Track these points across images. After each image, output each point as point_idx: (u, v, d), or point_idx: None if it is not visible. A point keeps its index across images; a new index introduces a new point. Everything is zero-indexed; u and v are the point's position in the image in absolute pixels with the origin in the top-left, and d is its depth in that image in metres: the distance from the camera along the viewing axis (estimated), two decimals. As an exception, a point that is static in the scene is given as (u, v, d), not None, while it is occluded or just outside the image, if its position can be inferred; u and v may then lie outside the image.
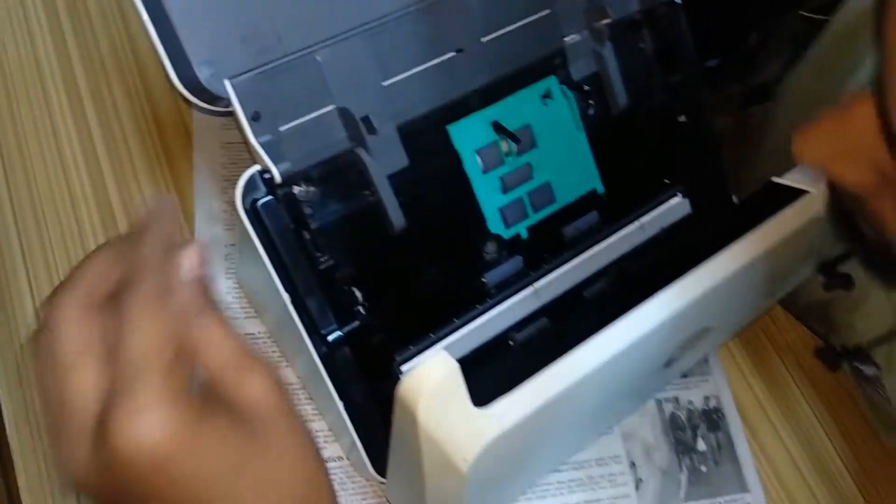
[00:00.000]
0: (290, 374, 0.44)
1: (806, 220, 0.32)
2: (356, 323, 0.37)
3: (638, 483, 0.45)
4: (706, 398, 0.48)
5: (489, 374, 0.36)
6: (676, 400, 0.48)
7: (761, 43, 0.53)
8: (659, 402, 0.48)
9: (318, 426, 0.43)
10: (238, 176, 0.34)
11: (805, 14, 0.49)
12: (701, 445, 0.47)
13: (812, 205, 0.33)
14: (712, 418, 0.48)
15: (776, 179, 0.35)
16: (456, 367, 0.25)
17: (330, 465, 0.42)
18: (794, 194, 0.33)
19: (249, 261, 0.37)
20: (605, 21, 0.41)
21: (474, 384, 0.27)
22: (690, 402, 0.48)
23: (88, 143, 0.47)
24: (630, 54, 0.43)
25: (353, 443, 0.38)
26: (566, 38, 0.41)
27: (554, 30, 0.41)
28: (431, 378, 0.25)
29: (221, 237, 0.46)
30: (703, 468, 0.46)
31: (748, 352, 0.51)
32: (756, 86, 0.53)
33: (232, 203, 0.34)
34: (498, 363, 0.38)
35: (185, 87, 0.33)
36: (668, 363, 0.38)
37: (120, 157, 0.47)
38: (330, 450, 0.42)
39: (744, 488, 0.46)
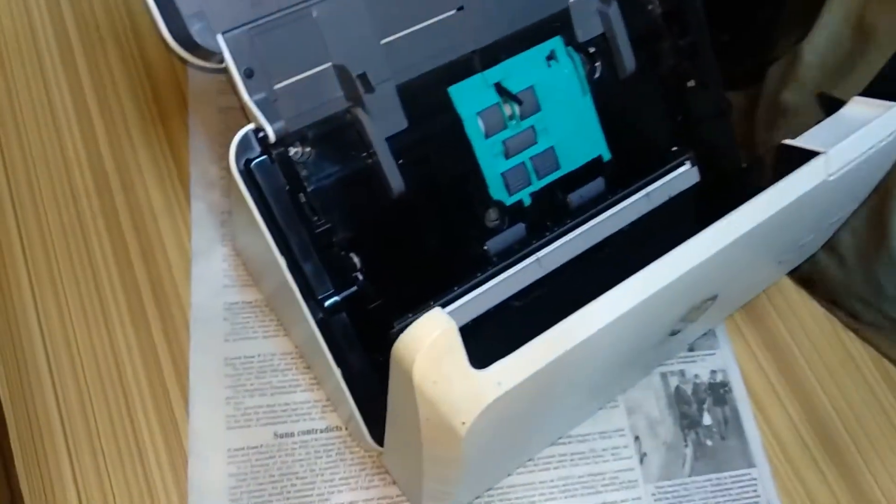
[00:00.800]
0: (287, 343, 0.43)
1: (818, 182, 0.31)
2: (354, 289, 0.36)
3: (642, 457, 0.44)
4: (713, 372, 0.47)
5: (490, 341, 0.35)
6: (682, 373, 0.47)
7: (774, 17, 0.51)
8: (664, 376, 0.47)
9: (317, 395, 0.42)
10: (235, 141, 0.33)
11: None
12: (707, 420, 0.46)
13: (823, 168, 0.32)
14: (719, 392, 0.47)
15: (788, 142, 0.34)
16: (453, 324, 0.24)
17: (328, 435, 0.42)
18: (807, 156, 0.32)
19: (244, 225, 0.36)
20: (612, -20, 0.40)
21: (475, 351, 0.26)
22: (696, 376, 0.47)
23: (83, 106, 0.46)
24: (638, 16, 0.42)
25: (352, 412, 0.37)
26: (571, -2, 0.40)
27: (559, -12, 0.40)
28: (427, 335, 0.24)
29: (218, 204, 0.45)
30: (709, 443, 0.45)
31: (755, 325, 0.50)
32: (769, 61, 0.51)
33: (228, 169, 0.33)
34: (498, 329, 0.37)
35: (177, 41, 0.32)
36: (674, 332, 0.37)
37: (115, 121, 0.46)
38: (328, 419, 0.42)
39: (750, 463, 0.45)
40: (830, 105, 0.36)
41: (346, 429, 0.42)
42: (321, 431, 0.42)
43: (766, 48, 0.51)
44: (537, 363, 0.25)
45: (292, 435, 0.41)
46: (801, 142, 0.33)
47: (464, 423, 0.25)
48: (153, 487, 0.39)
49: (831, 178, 0.31)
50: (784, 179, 0.31)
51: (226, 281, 0.44)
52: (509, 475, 0.42)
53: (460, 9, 0.37)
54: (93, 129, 0.46)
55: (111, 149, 0.46)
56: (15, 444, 0.38)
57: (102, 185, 0.45)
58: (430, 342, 0.24)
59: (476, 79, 0.38)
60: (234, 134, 0.33)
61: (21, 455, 0.38)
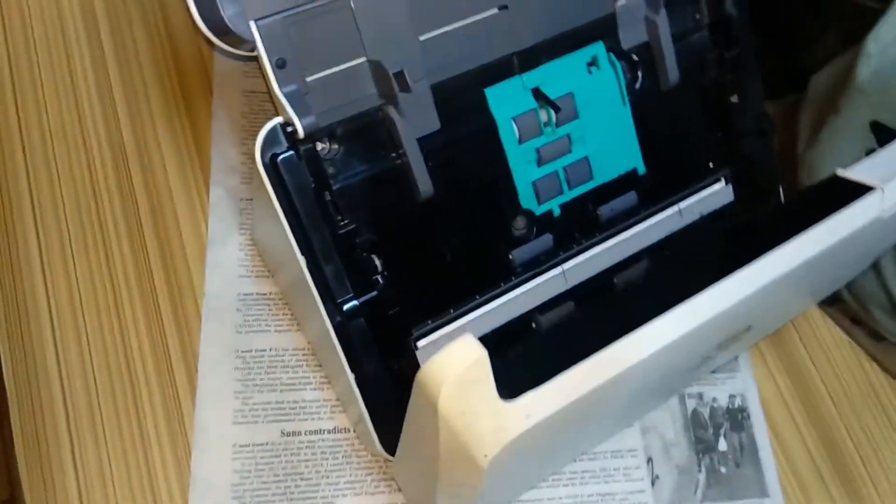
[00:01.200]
0: (299, 339, 0.42)
1: (871, 219, 0.30)
2: (374, 293, 0.35)
3: (654, 479, 0.43)
4: (731, 396, 0.46)
5: (512, 361, 0.34)
6: (700, 396, 0.46)
7: (818, 27, 0.50)
8: (682, 398, 0.45)
9: (326, 395, 0.41)
10: (258, 127, 0.31)
11: (858, 2, 0.45)
12: (722, 445, 0.45)
13: (878, 204, 0.30)
14: (737, 418, 0.46)
15: (840, 173, 0.32)
16: (484, 353, 0.23)
17: (336, 436, 0.41)
18: (860, 190, 0.30)
19: (265, 218, 0.35)
20: (663, -14, 0.38)
21: (494, 370, 0.25)
22: (715, 400, 0.46)
23: (105, 80, 0.45)
24: (685, 25, 0.40)
25: (362, 416, 0.36)
26: (618, 2, 0.38)
27: (607, -8, 0.38)
28: (457, 364, 0.23)
29: (237, 190, 0.44)
30: (723, 469, 0.44)
31: (778, 349, 0.48)
32: (811, 69, 0.49)
33: (250, 155, 0.32)
34: (521, 349, 0.36)
35: (208, 26, 0.31)
36: (703, 361, 0.36)
37: (137, 96, 0.45)
38: (337, 420, 0.41)
39: (763, 493, 0.44)
40: (884, 134, 0.35)
41: (355, 431, 0.41)
42: (329, 432, 0.41)
43: (809, 57, 0.49)
44: (570, 395, 0.24)
45: (299, 434, 0.40)
46: (854, 174, 0.32)
47: (486, 455, 0.23)
48: (154, 479, 0.38)
49: (886, 215, 0.30)
50: (837, 214, 0.29)
51: (241, 270, 0.43)
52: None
53: (503, 7, 0.35)
54: (113, 104, 0.45)
55: (131, 125, 0.44)
56: (16, 430, 0.37)
57: (121, 164, 0.43)
58: (460, 371, 0.23)
59: (514, 81, 0.37)
60: (259, 119, 0.32)
61: (21, 441, 0.37)
